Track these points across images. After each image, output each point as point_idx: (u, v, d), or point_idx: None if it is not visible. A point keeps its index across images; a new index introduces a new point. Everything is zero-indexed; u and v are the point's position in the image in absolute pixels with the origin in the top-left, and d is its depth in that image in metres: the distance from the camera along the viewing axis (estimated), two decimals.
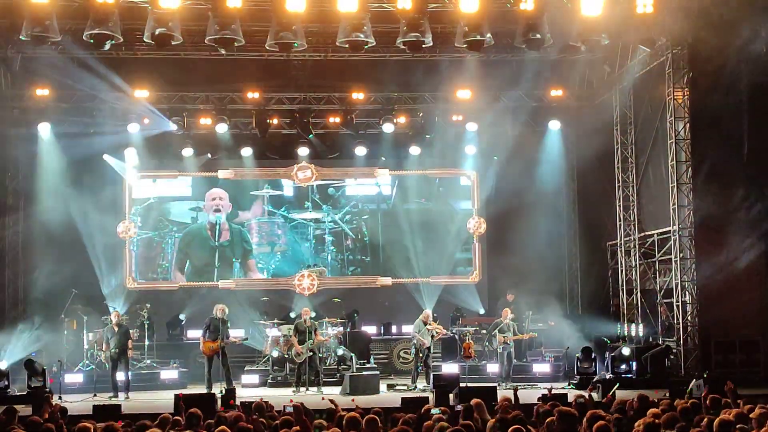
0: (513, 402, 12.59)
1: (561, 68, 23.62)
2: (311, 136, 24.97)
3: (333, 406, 12.42)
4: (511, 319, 21.48)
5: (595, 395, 16.76)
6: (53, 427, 10.45)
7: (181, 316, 24.77)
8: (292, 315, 23.94)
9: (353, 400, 17.69)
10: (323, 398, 16.60)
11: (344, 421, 10.08)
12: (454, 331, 22.78)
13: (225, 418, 10.89)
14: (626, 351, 20.75)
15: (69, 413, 13.01)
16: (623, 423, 10.46)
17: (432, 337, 20.94)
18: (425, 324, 20.90)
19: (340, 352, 21.92)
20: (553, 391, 15.41)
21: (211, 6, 17.78)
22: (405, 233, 26.32)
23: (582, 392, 13.94)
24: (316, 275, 26.05)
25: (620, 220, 23.85)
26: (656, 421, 9.70)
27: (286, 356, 21.31)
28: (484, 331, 22.46)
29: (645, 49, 19.58)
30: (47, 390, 18.60)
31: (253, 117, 24.32)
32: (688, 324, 20.26)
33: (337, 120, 24.65)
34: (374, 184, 26.94)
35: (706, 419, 9.87)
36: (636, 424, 9.70)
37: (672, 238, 20.73)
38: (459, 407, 12.16)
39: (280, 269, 26.47)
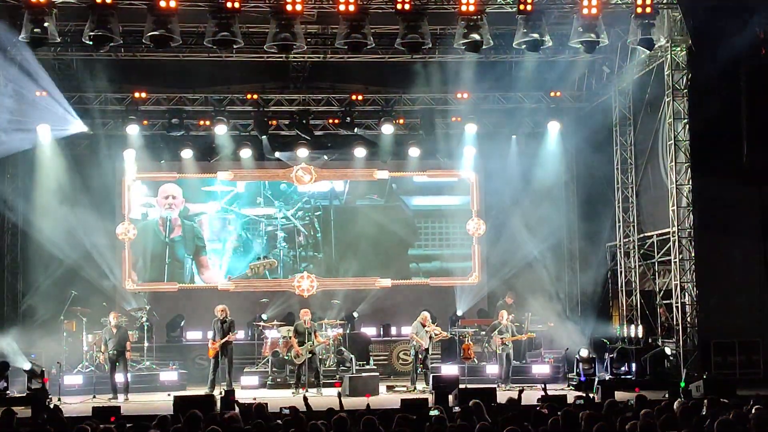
0: (517, 403, 12.63)
1: (560, 69, 23.62)
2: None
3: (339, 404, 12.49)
4: (510, 321, 21.50)
5: (595, 396, 16.80)
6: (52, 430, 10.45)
7: (180, 318, 24.77)
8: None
9: (368, 396, 17.88)
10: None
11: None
12: (453, 333, 22.77)
13: (221, 420, 10.87)
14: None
15: (68, 415, 12.99)
16: (622, 424, 10.43)
17: (430, 338, 20.93)
18: (423, 326, 20.89)
19: (343, 353, 21.94)
20: (553, 393, 15.43)
21: (210, 7, 17.78)
22: (357, 230, 26.51)
23: (581, 393, 13.96)
24: (267, 267, 26.14)
25: (619, 222, 23.84)
26: (653, 421, 9.72)
27: (286, 357, 21.30)
28: (483, 333, 22.45)
29: (644, 50, 19.56)
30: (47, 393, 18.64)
31: (253, 118, 24.33)
32: (688, 325, 20.24)
33: (336, 121, 24.66)
34: (327, 181, 26.86)
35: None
36: (634, 424, 9.70)
37: (671, 239, 20.71)
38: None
39: (232, 266, 26.40)
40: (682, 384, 17.27)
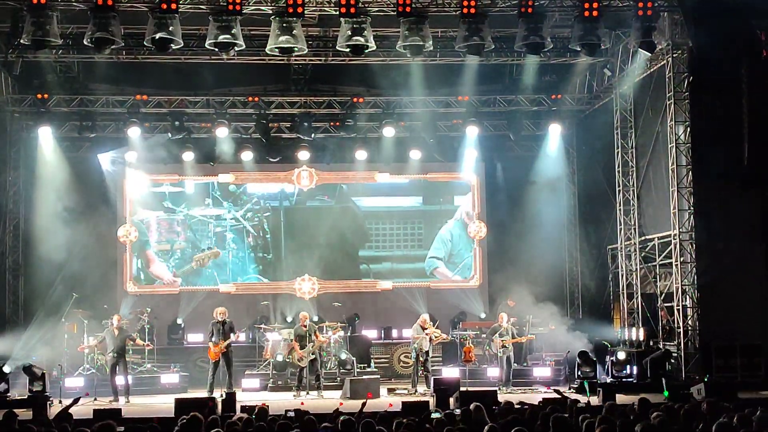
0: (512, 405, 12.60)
1: (561, 72, 23.64)
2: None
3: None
4: (511, 323, 21.51)
5: (595, 399, 16.81)
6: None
7: (179, 320, 24.75)
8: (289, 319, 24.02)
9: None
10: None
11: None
12: (454, 336, 22.78)
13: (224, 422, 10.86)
14: (622, 355, 20.67)
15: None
16: (624, 427, 10.42)
17: (431, 341, 20.92)
18: (423, 329, 20.88)
19: (343, 356, 21.94)
20: (551, 396, 15.43)
21: (212, 10, 17.80)
22: (307, 231, 26.45)
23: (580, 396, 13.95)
24: (211, 258, 26.10)
25: (621, 224, 23.83)
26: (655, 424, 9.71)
27: (288, 360, 21.30)
28: (484, 336, 22.44)
29: (645, 53, 19.56)
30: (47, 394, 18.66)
31: (254, 121, 24.34)
32: (689, 328, 20.24)
33: (338, 124, 24.68)
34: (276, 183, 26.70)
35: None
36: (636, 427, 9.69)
37: (673, 242, 20.72)
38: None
39: (180, 267, 26.22)
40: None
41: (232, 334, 20.23)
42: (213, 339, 20.23)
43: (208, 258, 26.20)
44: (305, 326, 20.57)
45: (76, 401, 13.54)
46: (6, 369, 19.59)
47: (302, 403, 17.41)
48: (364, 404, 12.69)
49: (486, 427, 9.76)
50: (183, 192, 26.36)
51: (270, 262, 26.59)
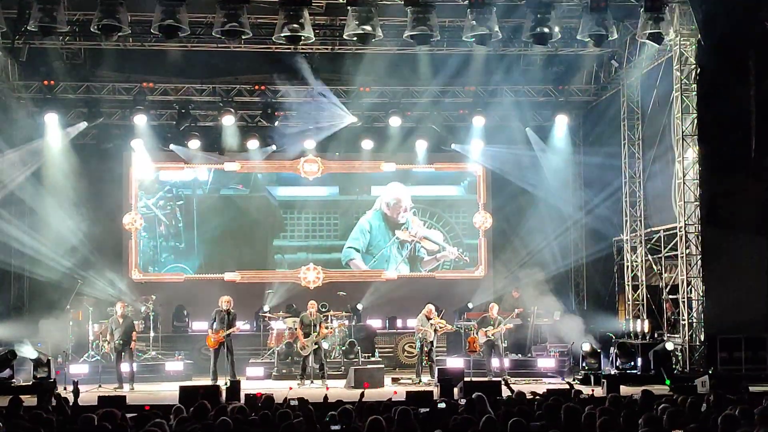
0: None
1: (569, 63, 23.58)
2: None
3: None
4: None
5: (599, 390, 16.81)
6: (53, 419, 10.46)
7: (184, 309, 24.72)
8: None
9: (366, 385, 17.87)
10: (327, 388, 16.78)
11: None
12: (458, 326, 22.77)
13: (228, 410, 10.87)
14: (669, 346, 20.51)
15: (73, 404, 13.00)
16: (628, 418, 10.42)
17: (435, 331, 20.91)
18: (428, 319, 20.88)
19: (350, 345, 21.96)
20: (555, 387, 15.45)
21: None
22: (221, 220, 26.25)
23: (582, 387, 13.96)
24: None
25: (627, 216, 23.82)
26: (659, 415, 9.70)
27: (292, 349, 21.32)
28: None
29: (653, 44, 19.50)
30: (52, 380, 18.70)
31: (260, 109, 24.34)
32: (694, 320, 20.22)
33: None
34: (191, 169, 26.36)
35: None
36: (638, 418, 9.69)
37: (678, 234, 20.69)
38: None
39: None
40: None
41: (234, 325, 20.26)
42: (214, 327, 20.23)
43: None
44: (312, 315, 20.58)
45: (76, 391, 13.56)
46: (32, 355, 19.64)
47: (290, 388, 17.58)
48: (362, 394, 12.69)
49: (484, 417, 9.77)
50: None
51: (182, 252, 26.31)
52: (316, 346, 20.35)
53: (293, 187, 26.85)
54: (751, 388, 15.15)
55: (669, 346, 20.28)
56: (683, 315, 20.38)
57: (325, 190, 26.95)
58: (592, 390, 16.93)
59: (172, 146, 24.83)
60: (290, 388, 17.45)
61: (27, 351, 19.89)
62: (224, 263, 26.16)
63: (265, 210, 26.66)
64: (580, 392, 13.52)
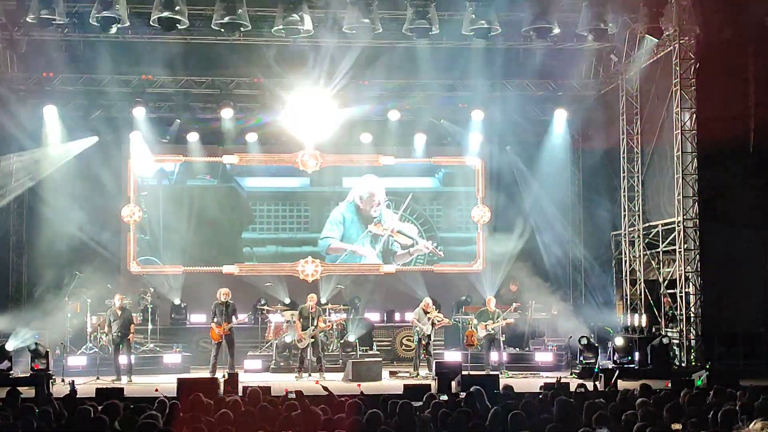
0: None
1: (568, 57, 23.56)
2: None
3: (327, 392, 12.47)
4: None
5: (598, 384, 16.84)
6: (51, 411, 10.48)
7: (181, 301, 24.67)
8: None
9: (359, 386, 17.84)
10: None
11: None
12: (456, 320, 22.80)
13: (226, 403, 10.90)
14: (665, 340, 20.53)
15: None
16: (625, 412, 10.45)
17: (433, 324, 20.92)
18: (426, 312, 20.89)
19: (351, 338, 21.98)
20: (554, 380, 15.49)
21: None
22: (187, 211, 25.73)
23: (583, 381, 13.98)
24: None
25: (625, 211, 23.84)
26: (656, 410, 9.73)
27: (290, 341, 21.35)
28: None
29: (652, 38, 19.50)
30: (50, 372, 18.74)
31: (258, 103, 24.31)
32: (692, 315, 20.26)
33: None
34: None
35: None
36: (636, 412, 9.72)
37: (676, 228, 20.71)
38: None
39: None
40: (699, 382, 17.11)
41: (234, 318, 20.30)
42: (216, 320, 20.27)
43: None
44: (310, 308, 20.59)
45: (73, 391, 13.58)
46: (8, 347, 19.67)
47: (287, 390, 17.58)
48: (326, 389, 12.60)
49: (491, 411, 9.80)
50: None
51: (148, 243, 26.00)
52: (313, 339, 20.35)
53: (262, 177, 26.43)
54: (748, 383, 15.18)
55: (664, 340, 20.34)
56: (681, 310, 20.42)
57: (296, 182, 26.53)
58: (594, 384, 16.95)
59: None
60: (286, 390, 17.34)
61: (23, 342, 19.92)
62: (192, 256, 25.73)
63: (233, 201, 26.20)
64: (578, 386, 13.54)
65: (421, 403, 11.20)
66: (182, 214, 25.81)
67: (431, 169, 26.84)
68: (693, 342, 20.20)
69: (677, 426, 9.67)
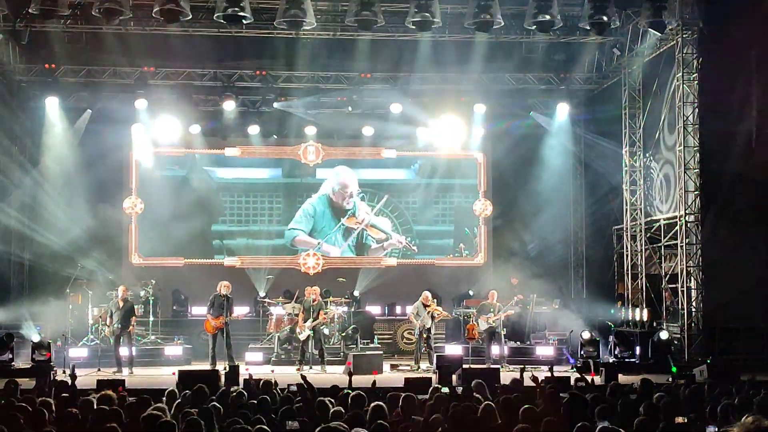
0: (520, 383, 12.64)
1: (570, 51, 23.53)
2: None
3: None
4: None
5: (597, 379, 16.84)
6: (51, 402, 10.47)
7: (182, 293, 24.69)
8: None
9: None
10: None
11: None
12: (457, 314, 22.79)
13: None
14: (664, 335, 20.53)
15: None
16: (626, 406, 10.45)
17: (432, 318, 20.91)
18: (425, 306, 20.88)
19: (351, 332, 21.98)
20: (556, 375, 15.43)
21: None
22: (156, 202, 25.54)
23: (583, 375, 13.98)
24: None
25: (627, 205, 23.81)
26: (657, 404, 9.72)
27: (292, 334, 21.35)
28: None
29: (655, 33, 19.46)
30: (52, 364, 18.78)
31: (261, 95, 24.30)
32: (693, 309, 20.25)
33: (344, 99, 24.60)
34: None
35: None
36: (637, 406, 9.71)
37: (678, 223, 20.69)
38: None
39: None
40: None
41: (231, 311, 20.27)
42: (212, 312, 20.24)
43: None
44: (314, 301, 20.56)
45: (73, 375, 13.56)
46: (35, 338, 19.74)
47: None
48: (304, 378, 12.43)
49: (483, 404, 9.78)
50: None
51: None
52: (312, 332, 20.31)
53: (234, 168, 26.20)
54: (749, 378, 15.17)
55: (663, 335, 20.35)
56: (682, 304, 20.41)
57: (267, 173, 26.38)
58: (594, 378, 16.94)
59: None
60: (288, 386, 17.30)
61: (26, 334, 19.97)
62: (161, 248, 25.59)
63: (203, 193, 25.93)
64: (579, 380, 13.53)
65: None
66: (151, 205, 25.66)
67: (407, 162, 26.76)
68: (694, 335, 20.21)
69: (680, 419, 9.66)
